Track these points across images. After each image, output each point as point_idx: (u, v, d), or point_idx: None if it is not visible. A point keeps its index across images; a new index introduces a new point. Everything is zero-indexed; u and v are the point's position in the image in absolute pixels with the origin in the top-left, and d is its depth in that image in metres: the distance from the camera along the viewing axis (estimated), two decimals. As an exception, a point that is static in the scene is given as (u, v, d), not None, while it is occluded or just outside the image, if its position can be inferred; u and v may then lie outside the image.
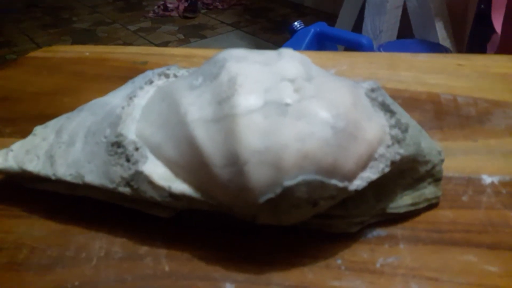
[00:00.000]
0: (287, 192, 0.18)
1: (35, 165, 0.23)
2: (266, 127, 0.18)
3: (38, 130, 0.26)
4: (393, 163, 0.20)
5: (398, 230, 0.23)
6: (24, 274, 0.21)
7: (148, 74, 0.26)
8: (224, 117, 0.19)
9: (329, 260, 0.22)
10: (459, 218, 0.24)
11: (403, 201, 0.23)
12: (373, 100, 0.22)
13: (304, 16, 2.07)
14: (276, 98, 0.19)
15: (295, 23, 0.93)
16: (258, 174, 0.18)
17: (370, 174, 0.20)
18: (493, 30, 0.89)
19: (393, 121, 0.21)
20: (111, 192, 0.22)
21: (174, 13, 2.16)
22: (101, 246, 0.23)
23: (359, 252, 0.22)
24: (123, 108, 0.23)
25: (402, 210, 0.23)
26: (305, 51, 0.47)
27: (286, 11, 2.18)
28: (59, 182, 0.23)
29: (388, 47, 0.81)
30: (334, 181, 0.19)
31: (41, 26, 2.09)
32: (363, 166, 0.20)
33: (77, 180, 0.22)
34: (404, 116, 0.22)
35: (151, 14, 2.18)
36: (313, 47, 0.87)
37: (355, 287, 0.20)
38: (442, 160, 0.24)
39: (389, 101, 0.22)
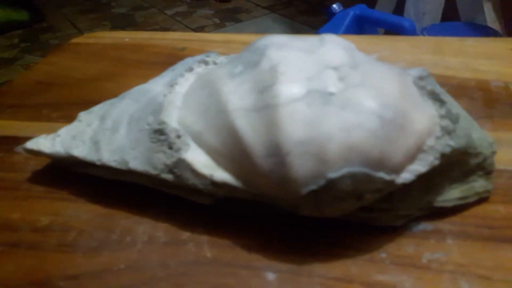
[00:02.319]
0: (331, 184, 0.18)
1: (81, 151, 0.24)
2: (309, 116, 0.18)
3: (83, 116, 0.27)
4: (443, 155, 0.20)
5: (445, 224, 0.23)
6: (74, 255, 0.22)
7: (188, 61, 0.26)
8: (266, 107, 0.19)
9: (373, 253, 0.21)
10: None
11: (451, 195, 0.22)
12: (421, 88, 0.21)
13: (342, -2, 2.01)
14: (319, 86, 0.19)
15: (334, 5, 0.91)
16: (300, 165, 0.18)
17: (418, 167, 0.19)
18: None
19: (443, 111, 0.20)
20: (154, 178, 0.22)
21: (210, -3, 2.16)
22: (145, 230, 0.23)
23: (404, 247, 0.22)
24: (164, 95, 0.23)
25: (450, 204, 0.22)
26: (344, 35, 0.46)
27: (323, -7, 2.12)
28: (104, 167, 0.24)
29: (432, 31, 0.78)
30: (381, 174, 0.18)
31: (82, 11, 2.14)
32: (411, 159, 0.19)
33: (122, 166, 0.23)
34: (454, 106, 0.21)
35: (187, -2, 2.18)
36: (352, 30, 0.84)
37: (400, 282, 0.20)
38: (494, 152, 0.23)
39: (439, 90, 0.21)
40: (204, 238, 0.23)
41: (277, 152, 0.18)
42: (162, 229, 0.23)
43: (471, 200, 0.23)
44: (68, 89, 0.38)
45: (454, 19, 0.91)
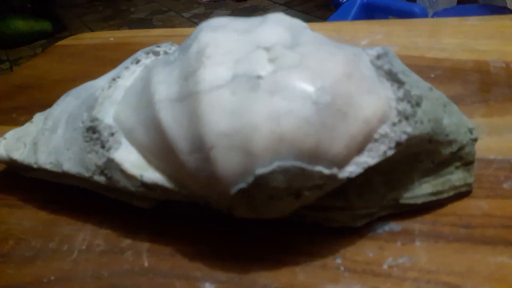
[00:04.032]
0: (261, 181, 0.16)
1: (21, 153, 0.23)
2: (234, 105, 0.16)
3: (36, 117, 0.26)
4: (398, 144, 0.17)
5: (416, 224, 0.20)
6: (5, 266, 0.21)
7: (137, 53, 0.24)
8: (189, 95, 0.16)
9: (327, 259, 0.19)
10: (496, 210, 0.20)
11: (421, 190, 0.19)
12: (379, 69, 0.18)
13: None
14: (246, 70, 0.16)
15: (340, -6, 0.87)
16: (226, 160, 0.16)
17: (367, 159, 0.16)
18: None
19: (400, 93, 0.17)
20: (89, 181, 0.21)
21: (226, -3, 2.15)
22: (85, 238, 0.21)
23: (365, 250, 0.19)
24: (102, 90, 0.21)
25: (420, 201, 0.19)
26: (335, 22, 0.43)
27: (341, -14, 2.07)
28: (43, 170, 0.22)
29: (444, 15, 0.73)
30: (318, 168, 0.16)
31: (102, 18, 2.17)
32: (359, 149, 0.16)
33: (57, 169, 0.21)
34: (418, 87, 0.18)
35: (204, 0, 2.18)
36: (361, 19, 0.80)
37: (354, 292, 0.17)
38: (474, 140, 0.20)
39: (398, 68, 0.18)
40: (145, 245, 0.21)
41: (200, 146, 0.16)
42: (103, 237, 0.21)
43: (446, 195, 0.20)
44: (42, 91, 0.37)
45: (472, 1, 0.85)
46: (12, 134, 0.24)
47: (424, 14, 0.72)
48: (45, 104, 0.35)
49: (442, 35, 0.36)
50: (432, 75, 0.31)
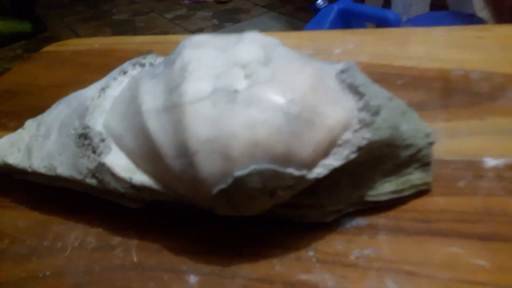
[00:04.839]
0: (239, 183, 0.18)
1: (15, 158, 0.24)
2: (215, 115, 0.18)
3: (28, 123, 0.27)
4: (360, 148, 0.19)
5: (380, 219, 0.22)
6: (1, 263, 0.22)
7: (124, 64, 0.26)
8: (174, 106, 0.18)
9: (301, 251, 0.21)
10: (451, 206, 0.22)
11: (384, 188, 0.22)
12: (343, 82, 0.21)
13: (340, -6, 1.98)
14: (225, 84, 0.18)
15: (319, 1, 0.89)
16: (208, 164, 0.18)
17: (333, 162, 0.19)
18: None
19: (361, 103, 0.20)
20: (81, 184, 0.22)
21: (209, -1, 2.16)
22: (77, 236, 0.23)
23: (334, 244, 0.21)
24: (92, 99, 0.23)
25: (383, 198, 0.22)
26: (311, 31, 0.45)
27: (322, -11, 2.10)
28: (36, 174, 0.23)
29: (417, 21, 0.76)
30: (289, 170, 0.18)
31: (84, 19, 2.16)
32: (324, 153, 0.19)
33: (50, 172, 0.23)
34: (377, 98, 0.20)
35: (186, 1, 2.19)
36: (338, 25, 0.83)
37: (323, 280, 0.19)
38: (431, 143, 0.22)
39: (359, 82, 0.20)
40: (134, 242, 0.22)
41: (185, 152, 0.18)
42: (94, 235, 0.23)
43: (407, 193, 0.22)
44: (31, 97, 0.38)
45: (444, 8, 0.89)
46: (6, 139, 0.26)
47: (397, 20, 0.75)
48: (34, 109, 0.36)
49: (410, 44, 0.39)
50: (399, 82, 0.33)
